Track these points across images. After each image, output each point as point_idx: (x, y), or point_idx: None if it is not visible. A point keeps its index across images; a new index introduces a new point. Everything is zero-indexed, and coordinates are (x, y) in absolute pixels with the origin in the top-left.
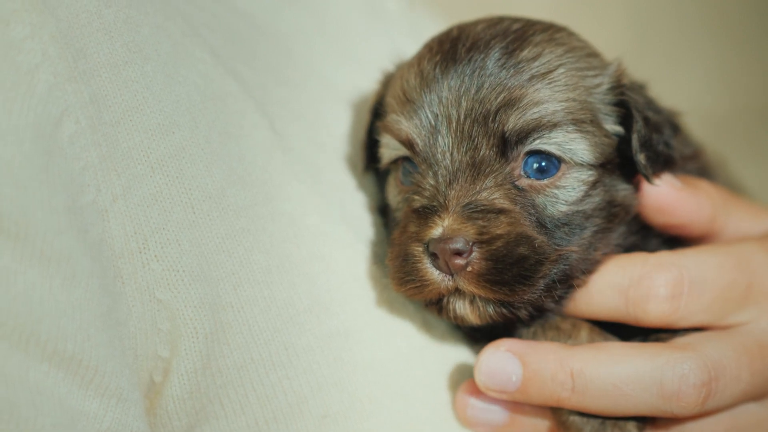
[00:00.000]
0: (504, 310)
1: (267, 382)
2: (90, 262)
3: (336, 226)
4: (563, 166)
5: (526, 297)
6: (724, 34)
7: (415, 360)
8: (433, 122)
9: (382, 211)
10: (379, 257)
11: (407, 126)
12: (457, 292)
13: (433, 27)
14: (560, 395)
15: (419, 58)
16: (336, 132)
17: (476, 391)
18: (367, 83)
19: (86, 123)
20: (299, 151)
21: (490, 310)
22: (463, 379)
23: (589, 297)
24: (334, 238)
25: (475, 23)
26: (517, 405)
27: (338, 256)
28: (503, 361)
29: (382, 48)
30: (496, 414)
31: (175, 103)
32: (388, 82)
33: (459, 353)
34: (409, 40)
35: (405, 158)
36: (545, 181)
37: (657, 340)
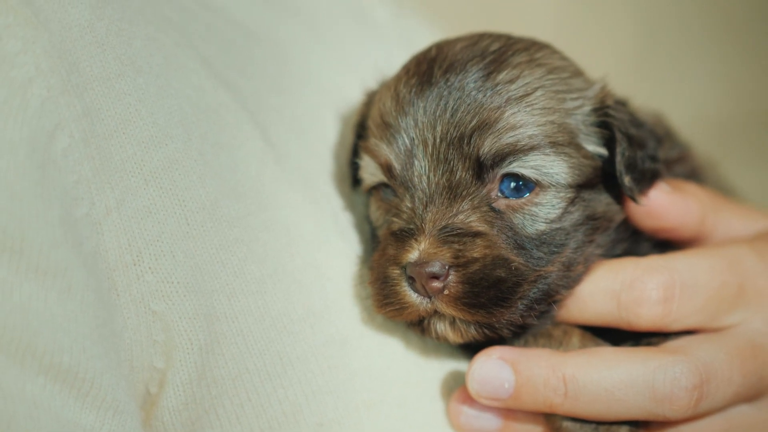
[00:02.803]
0: (486, 330)
1: (262, 392)
2: (85, 275)
3: (330, 234)
4: (540, 186)
5: (504, 318)
6: (729, 41)
7: (410, 367)
8: (409, 146)
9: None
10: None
11: (386, 151)
12: (437, 313)
13: (424, 34)
14: (553, 401)
15: (397, 79)
16: (330, 141)
17: (469, 399)
18: (360, 94)
19: (79, 136)
20: (293, 160)
21: (472, 330)
22: (459, 386)
23: (582, 303)
24: (328, 247)
25: (455, 42)
26: (510, 412)
27: (332, 264)
28: (495, 368)
29: (376, 59)
30: (490, 421)
31: (168, 115)
32: (370, 101)
33: (454, 360)
34: (400, 50)
35: (384, 184)
36: (523, 200)
37: (648, 344)
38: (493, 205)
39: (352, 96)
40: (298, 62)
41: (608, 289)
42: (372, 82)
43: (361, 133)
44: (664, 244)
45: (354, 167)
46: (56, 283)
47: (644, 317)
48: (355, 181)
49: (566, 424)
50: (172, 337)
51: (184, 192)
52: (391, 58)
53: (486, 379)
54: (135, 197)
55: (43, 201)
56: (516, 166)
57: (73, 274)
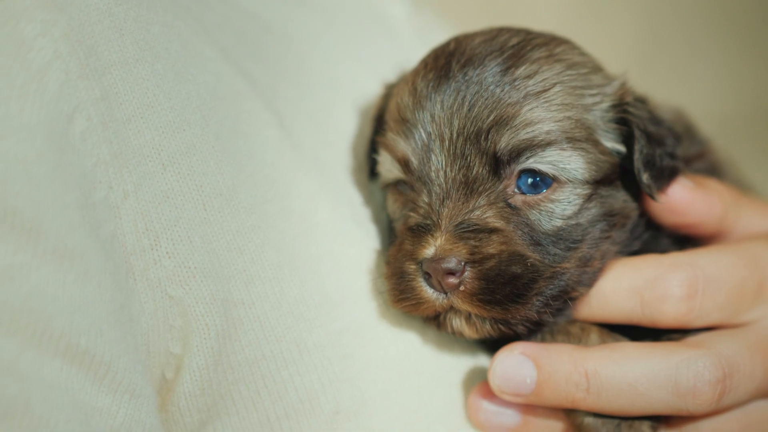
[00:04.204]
0: (501, 327)
1: (278, 379)
2: (102, 259)
3: (346, 223)
4: (557, 182)
5: (520, 315)
6: (732, 39)
7: (427, 357)
8: (426, 141)
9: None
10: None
11: (402, 146)
12: (453, 309)
13: (440, 31)
14: (575, 396)
15: (414, 74)
16: (346, 133)
17: (488, 395)
18: (377, 87)
19: (98, 120)
20: (309, 150)
21: (487, 326)
22: (477, 376)
23: (604, 300)
24: (344, 236)
25: (473, 36)
26: (530, 408)
27: (349, 253)
28: (518, 364)
29: (390, 53)
30: (509, 417)
31: (186, 101)
32: (389, 93)
33: (471, 351)
34: (416, 45)
35: (401, 180)
36: (539, 196)
37: (669, 340)
38: (510, 201)
39: (368, 90)
40: (312, 55)
41: (631, 286)
42: (390, 76)
43: (379, 125)
44: (684, 240)
45: (372, 159)
46: (73, 266)
47: (668, 314)
48: (373, 172)
49: (588, 420)
50: (189, 322)
51: (201, 178)
52: (406, 53)
53: (508, 374)
54: (153, 182)
55: (60, 184)
56: (533, 162)
57: (90, 258)
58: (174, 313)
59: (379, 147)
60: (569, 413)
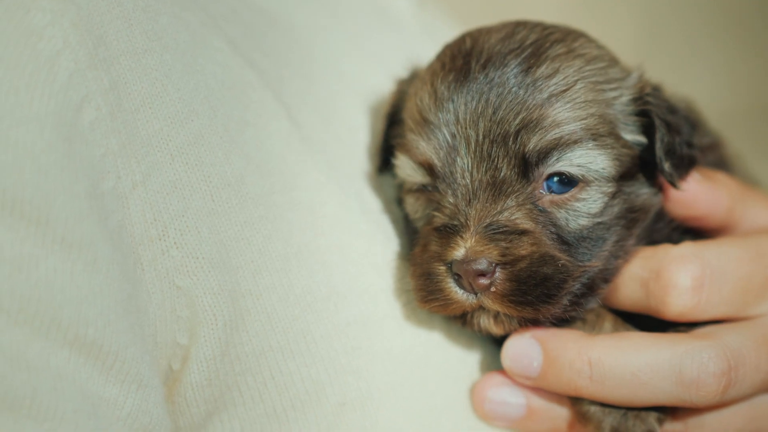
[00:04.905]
0: (529, 324)
1: (285, 370)
2: (111, 249)
3: (354, 216)
4: (584, 181)
5: (550, 314)
6: (730, 38)
7: (434, 349)
8: (450, 142)
9: (399, 202)
10: (397, 248)
11: (425, 148)
12: (481, 308)
13: (444, 26)
14: (578, 383)
15: (432, 74)
16: (353, 126)
17: (493, 386)
18: (383, 81)
19: (106, 110)
20: (317, 142)
21: (515, 323)
22: (483, 368)
23: (614, 287)
24: (352, 228)
25: (489, 32)
26: (535, 399)
27: (356, 245)
28: (527, 346)
29: (397, 47)
30: (514, 408)
31: (194, 91)
32: (401, 90)
33: (479, 343)
34: (422, 40)
35: (424, 186)
36: (566, 195)
37: (676, 331)
38: (537, 203)
39: (375, 83)
40: (319, 49)
41: (638, 276)
42: (397, 69)
43: (392, 122)
44: (693, 232)
45: (383, 154)
46: (81, 256)
47: (672, 306)
48: (382, 167)
49: (593, 409)
50: (196, 313)
51: (209, 168)
52: (412, 46)
53: (517, 355)
54: (161, 172)
55: (69, 174)
56: (561, 165)
57: (98, 248)
58: (181, 303)
59: (397, 151)
60: (575, 402)
